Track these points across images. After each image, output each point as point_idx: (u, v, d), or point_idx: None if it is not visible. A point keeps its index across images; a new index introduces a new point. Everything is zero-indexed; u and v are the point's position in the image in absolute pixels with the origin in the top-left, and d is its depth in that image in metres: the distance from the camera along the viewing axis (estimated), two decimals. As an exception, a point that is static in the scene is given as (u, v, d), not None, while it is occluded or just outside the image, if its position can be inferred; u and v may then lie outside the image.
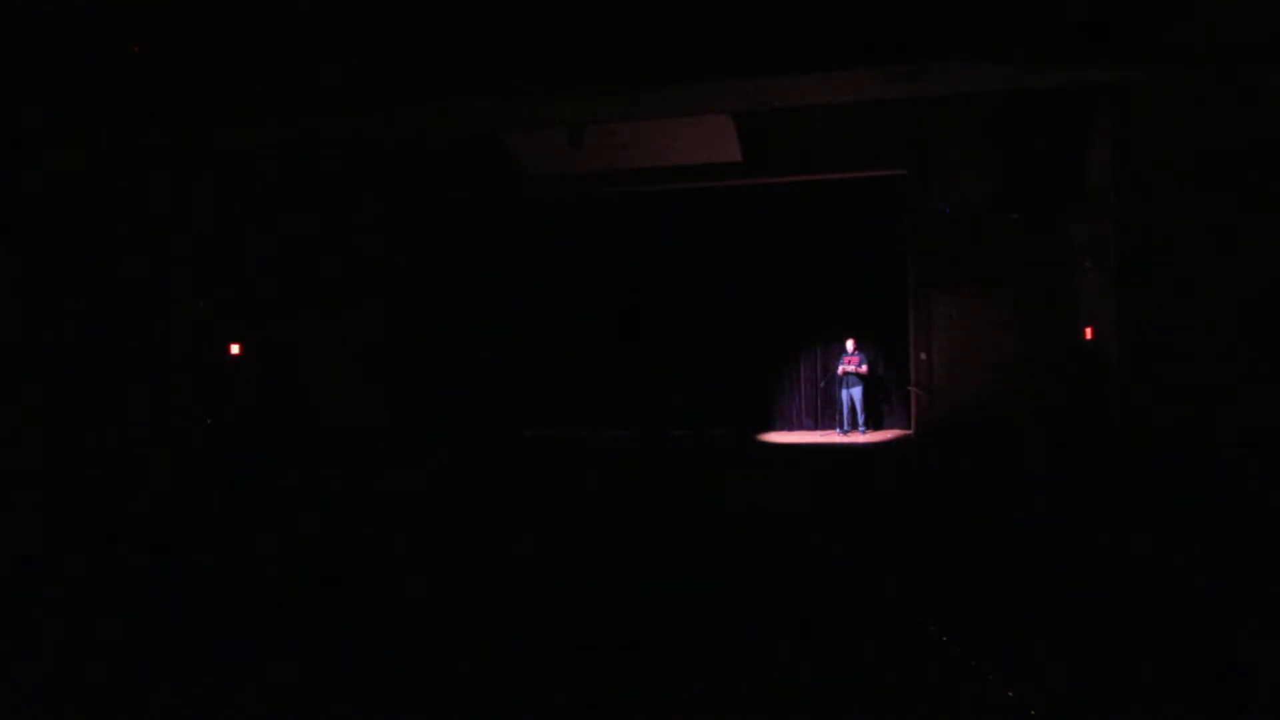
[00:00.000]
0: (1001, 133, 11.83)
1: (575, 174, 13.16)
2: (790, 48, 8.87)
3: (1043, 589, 5.51)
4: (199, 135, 10.75)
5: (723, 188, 13.48)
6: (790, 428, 13.84)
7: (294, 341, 13.09)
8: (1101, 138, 10.32)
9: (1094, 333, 10.68)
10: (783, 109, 11.11)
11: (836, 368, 13.05)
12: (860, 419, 12.88)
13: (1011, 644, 4.60)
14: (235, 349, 12.41)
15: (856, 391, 12.84)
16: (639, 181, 13.33)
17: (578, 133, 11.28)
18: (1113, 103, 9.89)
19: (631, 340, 14.07)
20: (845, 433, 12.95)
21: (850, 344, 12.90)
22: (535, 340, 14.40)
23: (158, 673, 4.57)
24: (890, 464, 11.12)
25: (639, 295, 14.08)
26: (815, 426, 13.73)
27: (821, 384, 13.62)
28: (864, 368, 12.80)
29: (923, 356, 12.49)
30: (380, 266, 13.88)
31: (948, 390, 12.23)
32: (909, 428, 12.96)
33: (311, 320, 13.34)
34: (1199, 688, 4.04)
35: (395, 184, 13.81)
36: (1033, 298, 11.87)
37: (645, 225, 14.10)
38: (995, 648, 4.50)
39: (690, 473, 10.78)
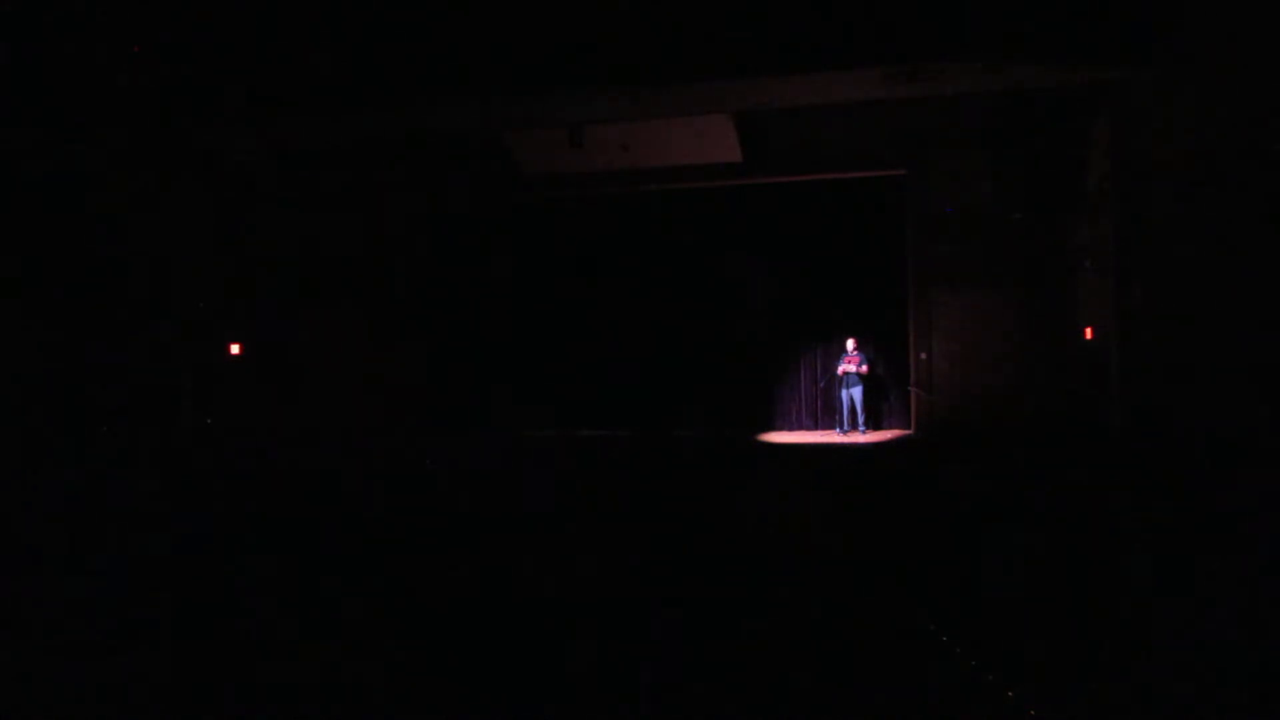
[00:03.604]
0: (1001, 133, 11.84)
1: (575, 174, 13.17)
2: (791, 48, 8.88)
3: (1043, 589, 5.51)
4: (198, 135, 10.76)
5: (723, 188, 13.49)
6: (790, 428, 13.84)
7: (293, 341, 13.09)
8: (1101, 138, 10.33)
9: (1094, 333, 10.68)
10: (783, 109, 11.13)
11: (836, 368, 13.05)
12: (860, 419, 12.88)
13: (1011, 644, 4.60)
14: (235, 349, 12.42)
15: (856, 391, 12.84)
16: (639, 181, 13.34)
17: (578, 133, 11.29)
18: (1113, 103, 9.90)
19: (631, 340, 14.08)
20: (845, 433, 12.95)
21: (850, 344, 12.90)
22: (535, 340, 14.40)
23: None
24: (890, 464, 11.12)
25: (639, 295, 14.08)
26: (815, 426, 13.73)
27: (821, 384, 13.62)
28: (864, 368, 12.80)
29: (923, 356, 12.49)
30: (380, 266, 13.89)
31: (948, 390, 12.24)
32: (909, 428, 12.96)
33: (311, 320, 13.34)
34: (1199, 687, 4.04)
35: (395, 184, 13.82)
36: (1033, 298, 11.88)
37: (645, 225, 14.11)
38: (995, 648, 4.50)
39: (690, 472, 10.78)
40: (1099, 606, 5.17)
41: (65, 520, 8.06)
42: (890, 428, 13.27)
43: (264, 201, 12.91)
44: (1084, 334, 10.91)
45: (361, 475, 10.75)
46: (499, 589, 5.90)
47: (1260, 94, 8.07)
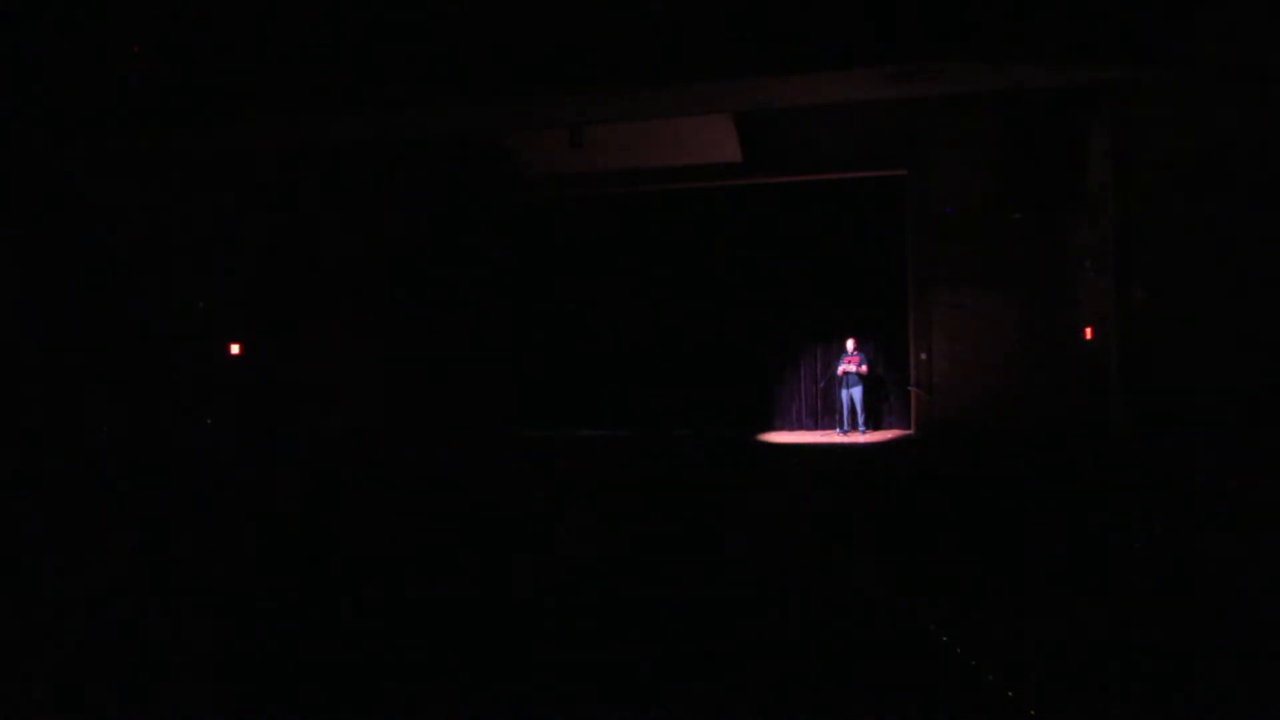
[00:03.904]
0: (1001, 133, 11.83)
1: (575, 174, 13.16)
2: (790, 48, 8.86)
3: (1043, 588, 5.51)
4: (198, 135, 10.75)
5: (723, 188, 13.48)
6: (790, 428, 13.84)
7: (293, 341, 13.08)
8: (1101, 138, 10.32)
9: (1094, 333, 10.68)
10: (783, 109, 11.12)
11: (836, 368, 13.05)
12: (860, 419, 12.88)
13: (1011, 644, 4.60)
14: (235, 349, 12.41)
15: (856, 391, 12.84)
16: (639, 181, 13.33)
17: (578, 133, 11.28)
18: (1113, 103, 9.89)
19: (631, 340, 14.07)
20: (845, 433, 12.95)
21: (850, 344, 12.90)
22: (535, 340, 14.40)
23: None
24: (890, 464, 11.12)
25: (639, 295, 14.08)
26: (815, 426, 13.72)
27: (821, 384, 13.62)
28: (864, 368, 12.79)
29: (923, 356, 12.49)
30: (380, 266, 13.88)
31: (948, 390, 12.23)
32: (909, 428, 12.96)
33: (310, 320, 13.33)
34: (1198, 688, 4.04)
35: (395, 184, 13.81)
36: (1033, 298, 11.88)
37: (645, 225, 14.10)
38: (995, 648, 4.50)
39: (689, 473, 10.78)
40: (1099, 606, 5.17)
41: (65, 520, 8.07)
42: (890, 428, 13.27)
43: (264, 201, 12.89)
44: (1084, 334, 10.91)
45: (361, 475, 10.75)
46: (498, 590, 5.90)
47: (1260, 94, 8.06)
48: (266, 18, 9.51)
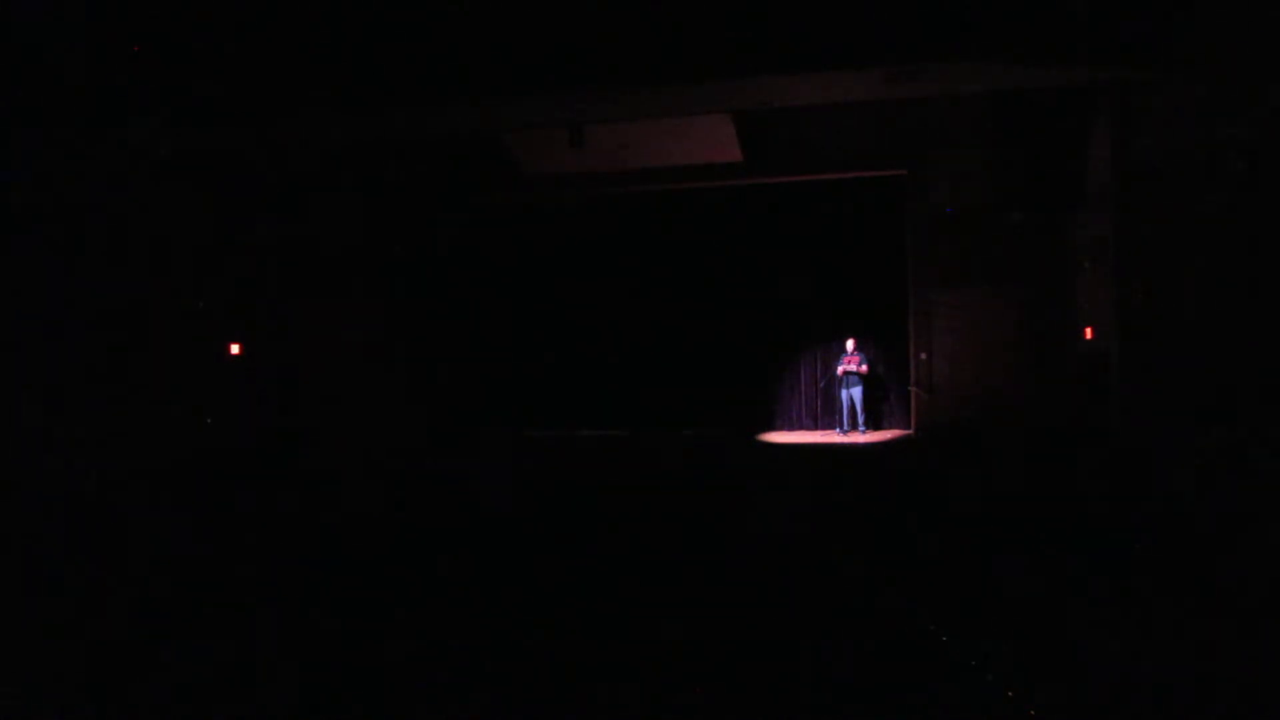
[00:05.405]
0: (1002, 133, 11.84)
1: (575, 174, 13.16)
2: (790, 48, 8.87)
3: (1043, 588, 5.51)
4: (199, 135, 10.75)
5: (723, 188, 13.48)
6: (790, 428, 13.84)
7: (294, 341, 13.08)
8: (1101, 138, 10.32)
9: (1094, 333, 10.68)
10: (783, 109, 11.13)
11: (836, 368, 13.05)
12: (860, 419, 12.88)
13: (1012, 644, 4.60)
14: (235, 349, 12.41)
15: (856, 391, 12.84)
16: (639, 181, 13.33)
17: (578, 133, 11.28)
18: (1113, 103, 9.89)
19: (632, 340, 14.07)
20: (845, 433, 12.95)
21: (850, 344, 12.90)
22: (535, 340, 14.40)
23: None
24: (890, 464, 11.12)
25: (639, 295, 14.08)
26: (815, 426, 13.73)
27: (821, 384, 13.62)
28: (864, 368, 12.80)
29: (923, 356, 12.49)
30: (380, 266, 13.88)
31: (948, 390, 12.24)
32: (909, 428, 12.96)
33: (311, 320, 13.33)
34: (1199, 688, 4.04)
35: (395, 184, 13.82)
36: (1033, 298, 11.88)
37: (645, 225, 14.10)
38: (995, 648, 4.50)
39: (690, 473, 10.78)
40: (1098, 607, 5.17)
41: (65, 520, 8.07)
42: (890, 428, 13.27)
43: (264, 201, 12.88)
44: (1084, 334, 10.92)
45: (361, 476, 10.75)
46: (499, 590, 5.90)
47: (1260, 94, 8.06)
48: (267, 17, 9.51)
